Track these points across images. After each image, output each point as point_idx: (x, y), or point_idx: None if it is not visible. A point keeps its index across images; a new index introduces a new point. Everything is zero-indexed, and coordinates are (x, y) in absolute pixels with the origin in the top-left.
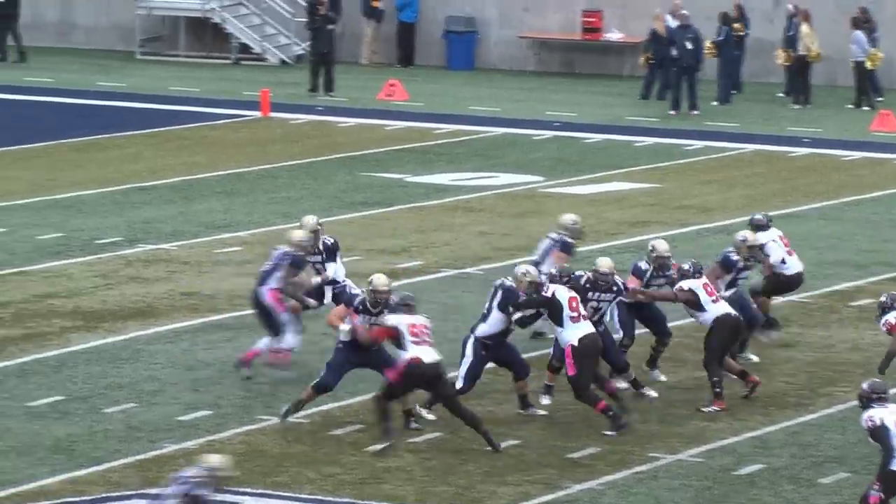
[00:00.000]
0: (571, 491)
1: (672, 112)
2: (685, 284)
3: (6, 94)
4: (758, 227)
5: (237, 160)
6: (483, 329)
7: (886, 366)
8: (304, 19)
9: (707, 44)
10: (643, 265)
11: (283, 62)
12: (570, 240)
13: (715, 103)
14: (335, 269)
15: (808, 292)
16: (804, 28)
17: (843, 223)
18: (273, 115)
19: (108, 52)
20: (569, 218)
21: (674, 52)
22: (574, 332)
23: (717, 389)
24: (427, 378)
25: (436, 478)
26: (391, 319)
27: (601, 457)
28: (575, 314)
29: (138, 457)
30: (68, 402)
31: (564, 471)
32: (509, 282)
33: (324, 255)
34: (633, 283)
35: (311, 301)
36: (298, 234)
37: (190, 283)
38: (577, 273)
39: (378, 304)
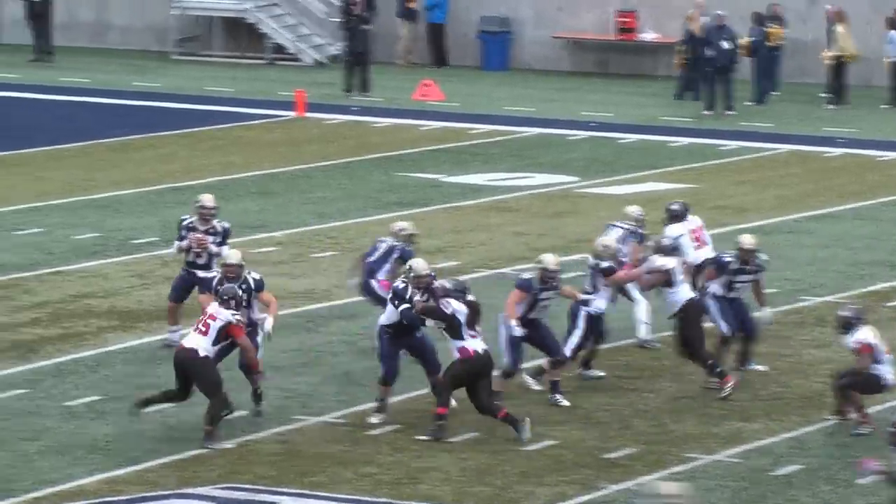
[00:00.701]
0: (608, 491)
1: (707, 112)
2: (663, 264)
3: (42, 95)
4: (673, 216)
5: (272, 160)
6: (382, 318)
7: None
8: (338, 19)
9: (741, 43)
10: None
11: (318, 62)
12: (643, 231)
13: (749, 103)
14: (227, 251)
15: (845, 293)
16: (839, 28)
17: (879, 223)
18: (308, 115)
19: (143, 53)
20: (635, 209)
21: (708, 53)
22: (474, 343)
23: (717, 370)
24: (176, 363)
25: (472, 478)
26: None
27: (638, 457)
28: (473, 332)
29: (175, 457)
30: (105, 402)
31: (601, 471)
32: (401, 281)
33: (221, 238)
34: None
35: None
36: (402, 225)
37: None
38: (526, 276)
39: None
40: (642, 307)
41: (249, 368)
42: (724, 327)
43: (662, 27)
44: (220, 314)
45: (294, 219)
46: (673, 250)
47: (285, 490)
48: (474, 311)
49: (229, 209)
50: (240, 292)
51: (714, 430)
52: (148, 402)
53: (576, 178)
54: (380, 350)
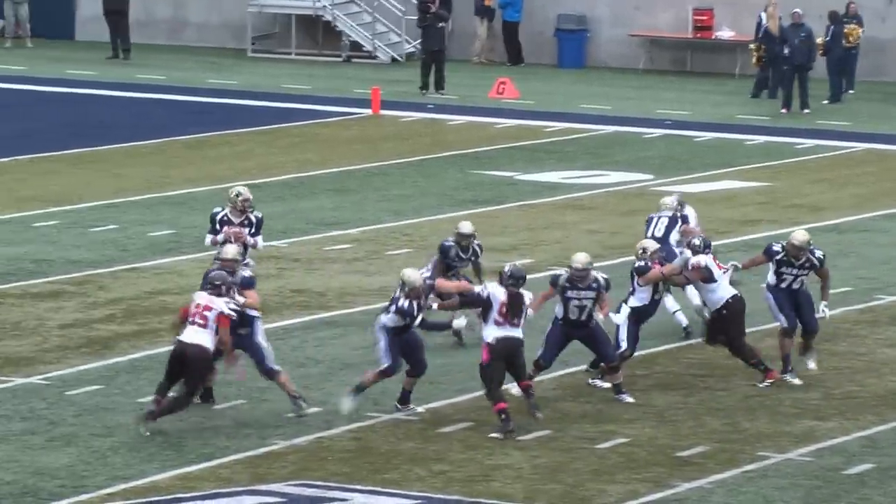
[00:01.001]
0: (680, 489)
1: (783, 111)
2: (701, 261)
3: (119, 92)
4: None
5: (348, 158)
6: (386, 320)
7: None
8: (414, 17)
9: (818, 41)
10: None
11: (394, 60)
12: (685, 213)
13: (825, 102)
14: (261, 242)
15: None
16: None
17: None
18: (384, 112)
19: (219, 50)
20: (670, 199)
21: (786, 51)
22: (494, 332)
23: (761, 366)
24: (177, 354)
25: (544, 475)
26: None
27: (710, 455)
28: (500, 319)
29: (248, 453)
30: None
31: (673, 469)
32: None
33: (255, 229)
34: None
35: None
36: (464, 225)
37: (300, 281)
38: (557, 272)
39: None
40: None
41: (226, 360)
42: (781, 320)
43: (739, 25)
44: (214, 304)
45: (369, 216)
46: (706, 248)
47: (357, 487)
48: (513, 301)
49: (305, 206)
50: (230, 278)
51: (787, 428)
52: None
53: (651, 176)
54: (383, 346)
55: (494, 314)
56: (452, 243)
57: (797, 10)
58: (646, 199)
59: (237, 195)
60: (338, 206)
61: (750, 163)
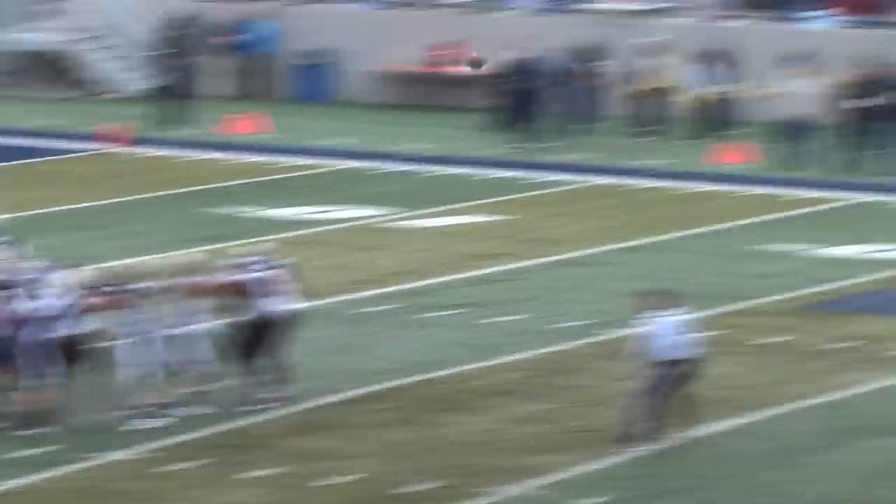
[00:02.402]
0: None
1: (521, 145)
2: (238, 279)
3: None
4: None
5: (77, 196)
6: None
7: None
8: (154, 53)
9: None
10: None
11: (131, 96)
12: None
13: (562, 136)
14: None
15: None
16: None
17: (692, 254)
18: (117, 150)
19: None
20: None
21: (522, 85)
22: None
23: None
24: None
25: None
26: None
27: (433, 494)
28: None
29: None
30: None
31: None
32: None
33: None
34: None
35: None
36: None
37: None
38: None
39: None
40: None
41: None
42: None
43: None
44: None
45: (101, 253)
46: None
47: None
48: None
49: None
50: None
51: (523, 461)
52: None
53: (388, 211)
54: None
55: None
56: None
57: (534, 43)
58: (384, 234)
59: None
60: (68, 244)
61: (489, 196)
